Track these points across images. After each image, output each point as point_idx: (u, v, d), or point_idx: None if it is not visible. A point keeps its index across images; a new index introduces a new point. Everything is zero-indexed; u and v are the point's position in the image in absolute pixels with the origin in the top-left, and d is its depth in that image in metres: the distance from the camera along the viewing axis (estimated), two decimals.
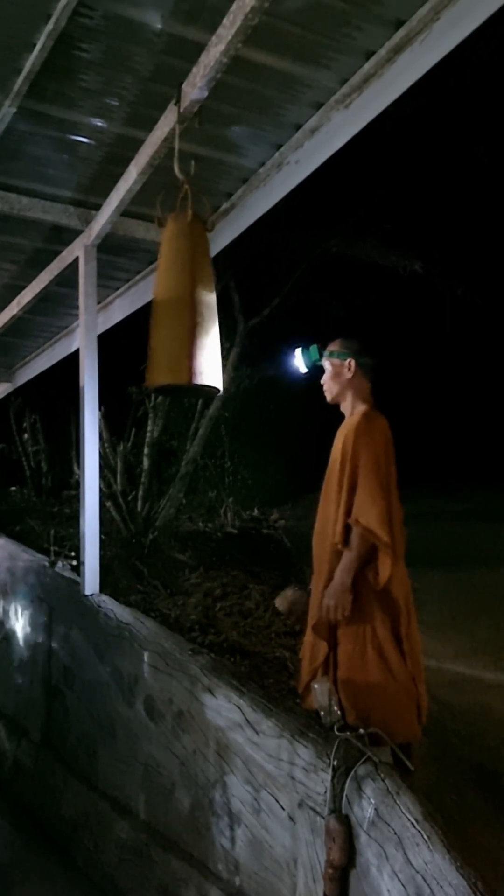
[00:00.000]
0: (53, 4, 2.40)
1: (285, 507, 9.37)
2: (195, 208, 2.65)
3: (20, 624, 4.51)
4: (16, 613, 4.61)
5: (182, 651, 2.99)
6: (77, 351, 4.22)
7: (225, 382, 2.82)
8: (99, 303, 4.71)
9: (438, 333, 12.49)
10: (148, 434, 7.02)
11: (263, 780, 2.39)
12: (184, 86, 2.69)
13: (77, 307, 4.21)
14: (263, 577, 5.89)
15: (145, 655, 3.11)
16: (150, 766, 3.05)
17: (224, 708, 2.58)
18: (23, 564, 4.70)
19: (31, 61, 2.66)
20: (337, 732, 2.17)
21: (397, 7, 2.43)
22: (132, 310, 4.97)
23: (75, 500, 5.35)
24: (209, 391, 2.76)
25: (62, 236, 4.15)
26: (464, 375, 15.06)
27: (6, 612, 4.77)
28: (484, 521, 10.09)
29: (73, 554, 4.28)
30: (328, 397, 3.01)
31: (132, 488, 6.71)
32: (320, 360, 3.03)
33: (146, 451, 6.94)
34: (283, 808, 2.29)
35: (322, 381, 3.03)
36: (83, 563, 3.81)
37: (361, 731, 2.19)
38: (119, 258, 4.50)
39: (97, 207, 3.82)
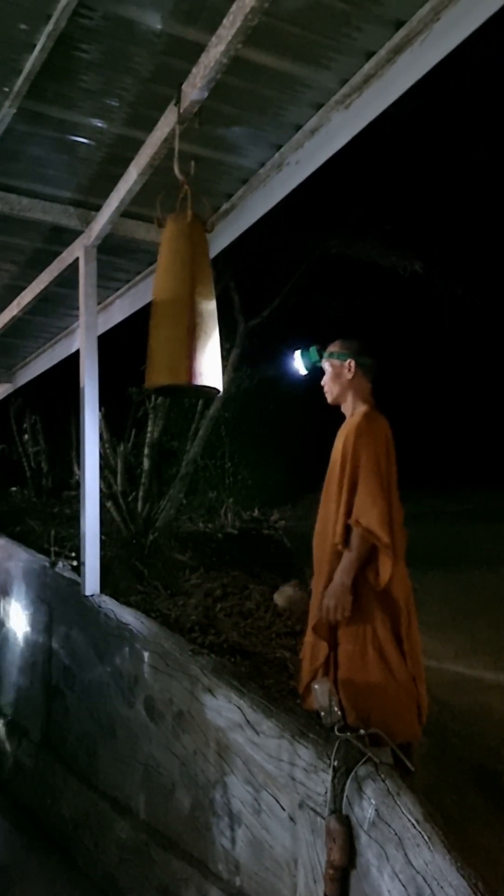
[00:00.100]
0: (53, 5, 2.40)
1: (285, 508, 9.35)
2: (195, 209, 2.65)
3: (21, 624, 4.52)
4: (16, 614, 4.61)
5: (182, 651, 2.99)
6: (77, 351, 4.23)
7: (225, 383, 2.82)
8: (99, 303, 4.71)
9: (438, 334, 12.51)
10: (148, 434, 7.01)
11: (264, 780, 2.39)
12: (184, 86, 2.69)
13: (77, 308, 4.21)
14: (264, 578, 5.89)
15: (145, 656, 3.11)
16: (150, 766, 3.05)
17: (224, 708, 2.58)
18: (23, 565, 4.70)
19: (30, 62, 2.66)
20: (337, 733, 2.17)
21: (397, 7, 2.44)
22: (132, 310, 4.97)
23: (75, 501, 5.36)
24: (209, 392, 2.76)
25: (62, 237, 4.15)
26: (464, 376, 15.08)
27: (7, 613, 4.77)
28: (484, 521, 10.11)
29: (73, 554, 4.28)
30: (329, 399, 3.01)
31: (132, 489, 6.69)
32: (319, 361, 3.02)
33: (146, 451, 6.93)
34: (284, 809, 2.29)
35: (322, 383, 3.02)
36: (83, 563, 3.81)
37: (362, 731, 2.18)
38: (119, 259, 4.50)
39: (97, 208, 3.82)
